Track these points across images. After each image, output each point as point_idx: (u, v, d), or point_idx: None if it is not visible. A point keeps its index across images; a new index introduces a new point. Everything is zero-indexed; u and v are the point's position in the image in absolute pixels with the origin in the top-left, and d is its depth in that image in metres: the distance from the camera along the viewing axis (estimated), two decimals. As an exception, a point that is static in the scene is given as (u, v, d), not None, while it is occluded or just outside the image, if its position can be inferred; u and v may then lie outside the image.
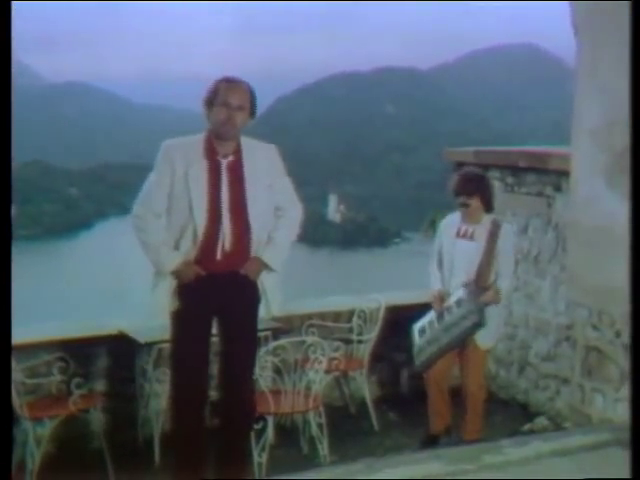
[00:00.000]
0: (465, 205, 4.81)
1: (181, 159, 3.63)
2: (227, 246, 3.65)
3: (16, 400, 4.54)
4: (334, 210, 75.59)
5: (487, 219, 4.85)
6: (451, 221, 4.96)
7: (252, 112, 3.69)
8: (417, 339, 4.86)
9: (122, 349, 5.13)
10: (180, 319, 3.72)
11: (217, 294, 3.70)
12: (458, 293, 4.78)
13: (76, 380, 4.80)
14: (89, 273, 52.63)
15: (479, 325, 4.79)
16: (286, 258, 3.88)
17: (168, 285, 3.68)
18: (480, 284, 4.74)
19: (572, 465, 4.07)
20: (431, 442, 4.87)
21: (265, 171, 3.71)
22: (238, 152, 3.68)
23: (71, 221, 70.46)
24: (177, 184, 3.61)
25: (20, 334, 4.94)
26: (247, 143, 3.73)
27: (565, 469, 4.01)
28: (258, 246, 3.75)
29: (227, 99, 3.57)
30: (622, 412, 4.58)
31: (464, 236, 4.85)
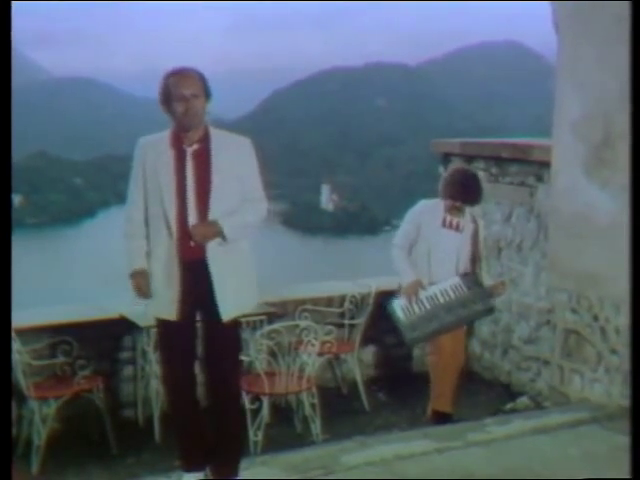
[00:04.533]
0: (459, 209, 4.99)
1: (151, 152, 3.67)
2: None
3: (23, 381, 4.70)
4: (327, 199, 75.60)
5: (467, 211, 5.07)
6: (431, 210, 5.03)
7: (207, 95, 3.67)
8: (401, 315, 4.98)
9: (123, 332, 5.29)
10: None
11: (196, 283, 3.62)
12: (453, 279, 4.96)
13: (80, 362, 4.98)
14: (92, 259, 52.44)
15: (492, 311, 5.18)
16: (244, 236, 3.72)
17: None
18: (474, 271, 5.03)
19: (552, 441, 4.29)
20: (443, 420, 4.94)
21: (234, 162, 3.67)
22: (205, 141, 3.66)
23: (76, 210, 70.55)
24: (150, 177, 3.64)
25: (26, 318, 5.12)
26: (219, 134, 3.72)
27: (545, 445, 4.23)
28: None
29: (180, 91, 3.57)
30: (598, 392, 4.77)
31: (450, 227, 4.99)
